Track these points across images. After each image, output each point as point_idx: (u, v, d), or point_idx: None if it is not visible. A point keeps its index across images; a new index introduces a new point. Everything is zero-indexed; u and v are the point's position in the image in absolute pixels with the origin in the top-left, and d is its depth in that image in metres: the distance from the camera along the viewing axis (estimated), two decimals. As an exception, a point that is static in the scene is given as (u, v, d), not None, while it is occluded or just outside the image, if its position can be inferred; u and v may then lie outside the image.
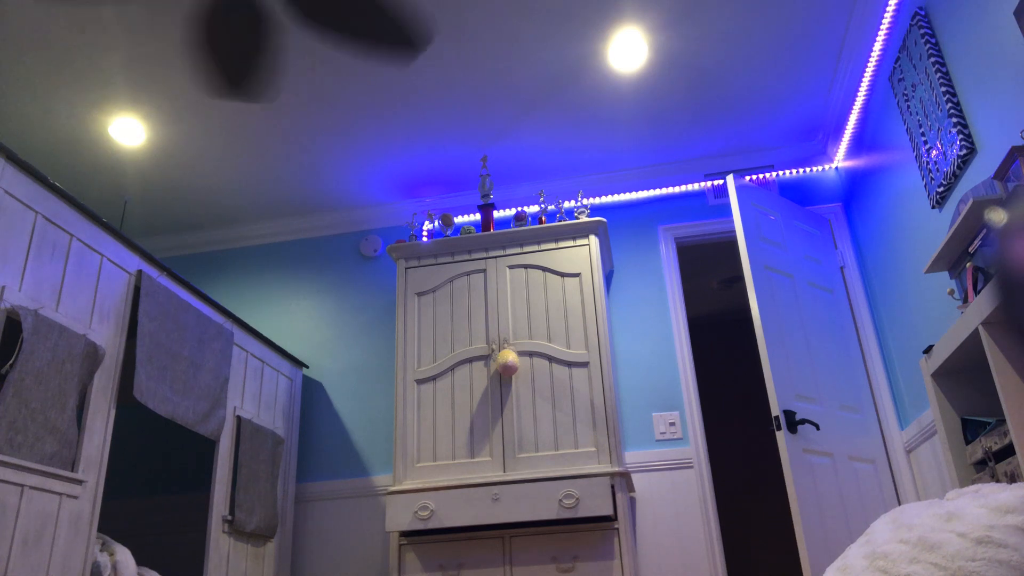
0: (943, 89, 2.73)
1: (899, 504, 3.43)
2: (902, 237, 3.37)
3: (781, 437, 3.09)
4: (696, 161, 4.35)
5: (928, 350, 2.53)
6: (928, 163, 2.96)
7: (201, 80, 3.45)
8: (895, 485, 3.46)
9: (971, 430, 2.39)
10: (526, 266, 3.81)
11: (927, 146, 2.95)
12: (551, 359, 3.58)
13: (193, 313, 3.20)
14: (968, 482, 2.37)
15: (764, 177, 4.26)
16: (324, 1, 2.17)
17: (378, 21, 2.23)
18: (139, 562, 3.27)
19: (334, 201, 4.56)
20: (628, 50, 3.42)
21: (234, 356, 3.54)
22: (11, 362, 2.29)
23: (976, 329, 2.11)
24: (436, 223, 4.50)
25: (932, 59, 2.79)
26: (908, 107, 3.09)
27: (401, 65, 3.38)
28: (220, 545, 3.24)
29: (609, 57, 3.48)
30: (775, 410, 3.14)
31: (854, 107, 3.70)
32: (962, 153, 2.65)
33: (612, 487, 3.23)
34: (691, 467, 3.73)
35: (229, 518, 3.29)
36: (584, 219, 3.79)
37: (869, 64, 3.41)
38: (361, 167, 4.24)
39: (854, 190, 3.96)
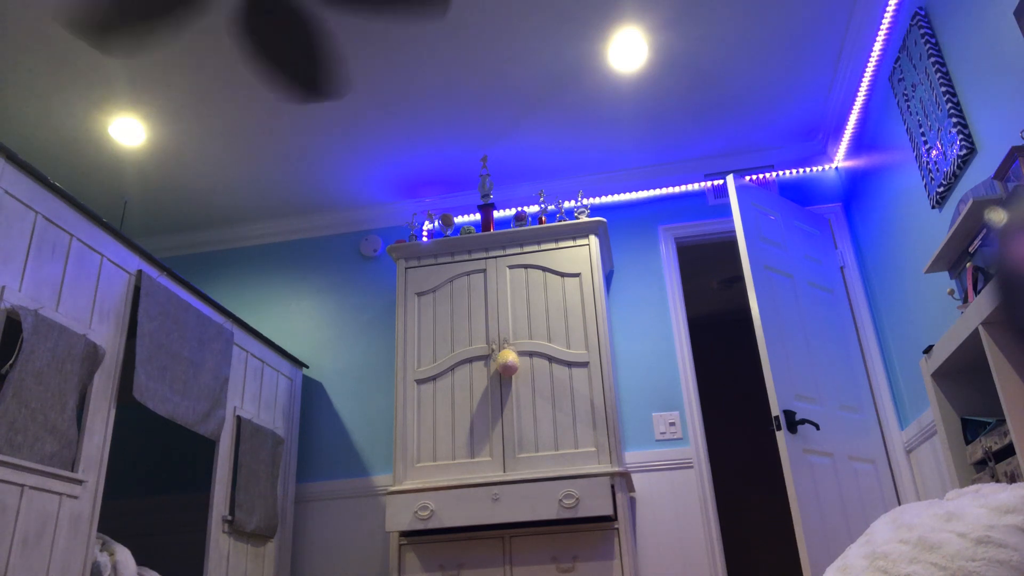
0: (943, 89, 2.73)
1: (899, 504, 3.43)
2: (902, 237, 3.37)
3: (781, 437, 3.09)
4: (696, 161, 4.35)
5: (928, 350, 2.53)
6: (928, 163, 2.96)
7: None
8: (895, 485, 3.46)
9: (971, 430, 2.39)
10: (526, 266, 3.81)
11: (927, 146, 2.95)
12: (551, 359, 3.58)
13: (193, 313, 3.20)
14: (968, 482, 2.37)
15: (764, 177, 4.26)
16: None
17: None
18: (139, 562, 3.27)
19: (334, 201, 4.56)
20: (628, 50, 3.42)
21: (234, 356, 3.54)
22: (11, 362, 2.29)
23: (976, 329, 2.11)
24: (436, 223, 4.50)
25: (932, 59, 2.79)
26: (908, 107, 3.09)
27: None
28: (220, 545, 3.25)
29: (609, 57, 3.48)
30: (775, 410, 3.14)
31: (854, 107, 3.70)
32: (962, 153, 2.65)
33: (612, 487, 3.23)
34: (691, 467, 3.73)
35: (229, 518, 3.29)
36: (584, 219, 3.79)
37: (869, 64, 3.41)
38: (361, 167, 4.24)
39: (854, 190, 3.96)
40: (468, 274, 3.86)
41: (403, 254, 3.96)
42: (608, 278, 4.21)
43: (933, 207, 2.99)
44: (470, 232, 3.89)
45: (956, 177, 2.75)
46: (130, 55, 3.22)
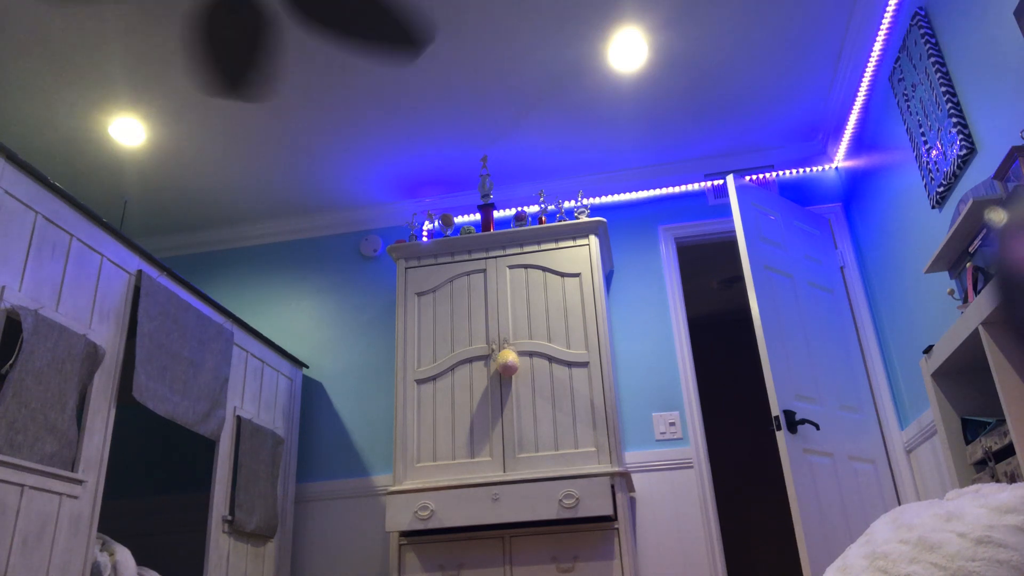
0: (943, 89, 2.73)
1: (899, 504, 3.43)
2: (902, 237, 3.37)
3: (781, 437, 3.09)
4: (696, 161, 4.35)
5: (928, 350, 2.53)
6: (928, 163, 2.96)
7: (199, 79, 3.45)
8: (895, 485, 3.46)
9: (971, 430, 2.39)
10: (526, 266, 3.81)
11: (927, 146, 2.95)
12: (551, 359, 3.58)
13: (193, 313, 3.20)
14: (968, 482, 2.37)
15: (764, 177, 4.26)
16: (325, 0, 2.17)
17: (379, 19, 2.23)
18: (139, 562, 3.27)
19: (334, 201, 4.56)
20: (628, 50, 3.42)
21: (234, 356, 3.54)
22: (11, 362, 2.29)
23: (976, 329, 2.11)
24: (436, 223, 4.50)
25: (932, 59, 2.79)
26: (908, 107, 3.09)
27: (403, 63, 3.38)
28: (220, 545, 3.24)
29: (609, 57, 3.48)
30: (775, 410, 3.14)
31: (854, 107, 3.70)
32: (962, 153, 2.65)
33: (612, 487, 3.23)
34: (691, 467, 3.73)
35: (229, 518, 3.29)
36: (584, 219, 3.79)
37: (869, 64, 3.41)
38: (361, 167, 4.24)
39: (854, 190, 3.96)
40: (468, 274, 3.86)
41: (403, 254, 3.96)
42: (608, 278, 4.21)
43: (933, 207, 2.99)
44: (470, 232, 3.89)
45: (956, 177, 2.75)
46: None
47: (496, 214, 4.48)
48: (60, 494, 2.44)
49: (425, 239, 3.99)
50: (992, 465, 2.22)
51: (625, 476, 3.29)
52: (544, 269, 3.78)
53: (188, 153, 4.02)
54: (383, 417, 4.17)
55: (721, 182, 4.30)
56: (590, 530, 3.22)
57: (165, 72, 3.43)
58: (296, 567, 3.94)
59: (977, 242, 2.27)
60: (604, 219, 3.95)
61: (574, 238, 3.81)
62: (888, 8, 3.13)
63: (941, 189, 2.86)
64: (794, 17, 3.32)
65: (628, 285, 4.18)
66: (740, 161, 4.32)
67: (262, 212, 4.63)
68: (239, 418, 3.48)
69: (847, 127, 3.86)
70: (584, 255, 3.75)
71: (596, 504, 3.13)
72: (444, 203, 4.58)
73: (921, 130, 2.99)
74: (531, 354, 3.61)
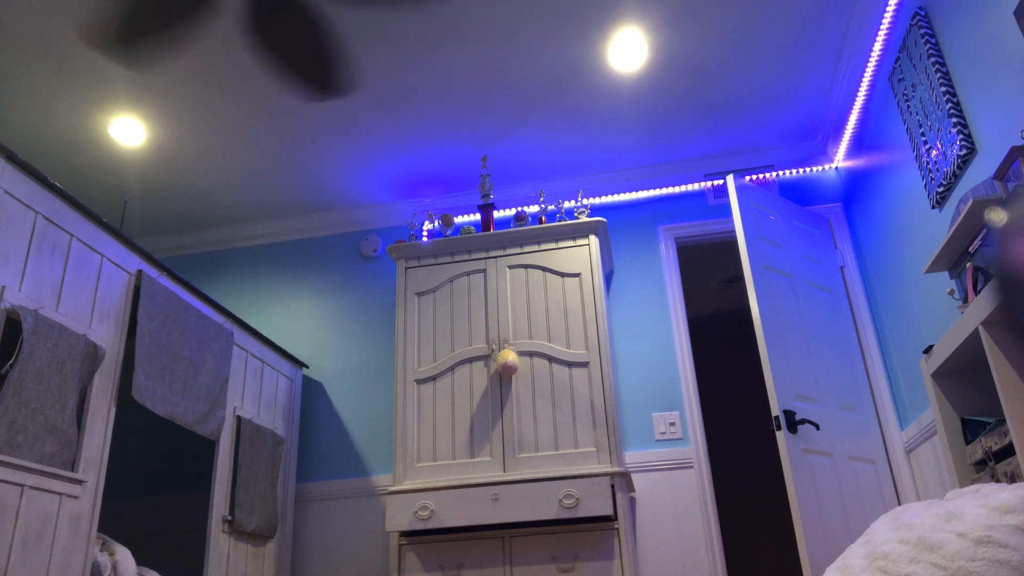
0: (943, 89, 2.73)
1: (899, 504, 3.43)
2: (902, 237, 3.37)
3: (781, 437, 3.09)
4: (696, 161, 4.35)
5: (928, 350, 2.53)
6: (928, 163, 2.96)
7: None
8: (895, 485, 3.46)
9: (971, 430, 2.39)
10: (526, 266, 3.81)
11: (927, 146, 2.95)
12: (551, 359, 3.58)
13: (193, 313, 3.20)
14: (968, 482, 2.37)
15: (764, 177, 4.26)
16: None
17: (312, 52, 2.26)
18: (139, 562, 3.27)
19: (334, 201, 4.56)
20: (628, 50, 3.42)
21: (234, 356, 3.54)
22: (11, 362, 2.29)
23: (976, 329, 2.10)
24: (436, 223, 4.50)
25: (932, 59, 2.78)
26: (908, 107, 3.09)
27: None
28: (220, 545, 3.24)
29: (609, 57, 3.48)
30: (775, 410, 3.14)
31: (854, 107, 3.70)
32: (962, 153, 2.65)
33: (612, 487, 3.23)
34: (691, 467, 3.73)
35: (229, 518, 3.29)
36: (584, 219, 3.79)
37: (869, 64, 3.41)
38: (361, 167, 4.24)
39: (854, 190, 3.96)
40: (468, 274, 3.86)
41: (403, 254, 3.96)
42: (608, 278, 4.21)
43: (933, 207, 2.99)
44: (470, 232, 3.89)
45: (956, 177, 2.75)
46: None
47: (496, 214, 4.48)
48: (60, 494, 2.44)
49: (425, 239, 3.99)
50: (992, 465, 2.22)
51: (625, 476, 3.29)
52: (544, 269, 3.78)
53: (188, 153, 4.02)
54: (383, 417, 4.17)
55: (721, 182, 4.30)
56: (590, 530, 3.22)
57: (165, 72, 3.43)
58: (296, 567, 3.94)
59: (977, 242, 2.27)
60: (604, 219, 3.95)
61: (574, 238, 3.81)
62: (888, 8, 3.13)
63: (941, 189, 2.86)
64: (794, 17, 3.32)
65: (628, 285, 4.18)
66: (740, 161, 4.32)
67: (262, 212, 4.63)
68: (239, 418, 3.48)
69: (847, 127, 3.86)
70: (584, 255, 3.75)
71: (596, 504, 3.13)
72: (444, 203, 4.58)
73: (921, 130, 2.99)
74: (531, 354, 3.61)
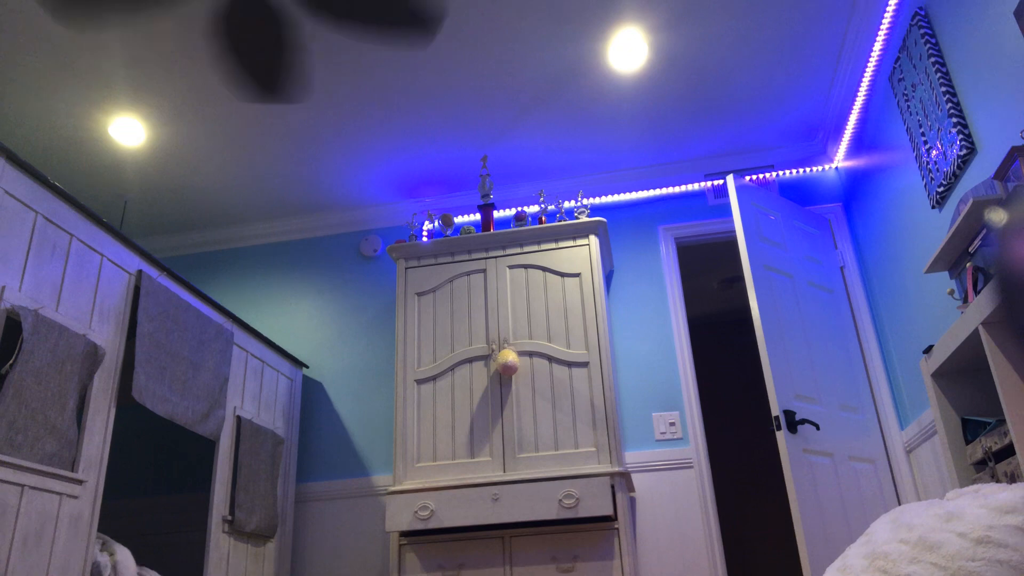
0: (943, 89, 2.73)
1: (899, 504, 3.43)
2: (902, 237, 3.37)
3: (781, 437, 3.09)
4: (696, 161, 4.35)
5: (928, 350, 2.53)
6: (928, 163, 2.96)
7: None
8: (895, 485, 3.46)
9: (971, 430, 2.39)
10: (526, 266, 3.81)
11: (927, 146, 2.95)
12: (551, 359, 3.58)
13: (193, 313, 3.20)
14: (968, 482, 2.37)
15: (764, 177, 4.26)
16: None
17: (391, 4, 2.23)
18: (139, 562, 3.28)
19: (334, 201, 4.56)
20: (628, 50, 3.42)
21: (234, 356, 3.54)
22: (11, 362, 2.29)
23: (976, 329, 2.10)
24: (436, 223, 4.50)
25: (932, 59, 2.79)
26: (908, 107, 3.09)
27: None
28: (220, 545, 3.24)
29: (609, 57, 3.48)
30: (775, 410, 3.14)
31: (854, 107, 3.70)
32: (962, 153, 2.65)
33: (612, 487, 3.23)
34: (691, 467, 3.73)
35: (229, 518, 3.29)
36: (584, 219, 3.79)
37: (869, 64, 3.41)
38: (361, 167, 4.24)
39: (854, 190, 3.96)
40: (468, 274, 3.86)
41: (403, 254, 3.96)
42: (608, 278, 4.21)
43: (933, 207, 2.99)
44: (470, 232, 3.89)
45: (956, 177, 2.75)
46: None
47: (496, 214, 4.48)
48: (60, 494, 2.44)
49: (425, 239, 3.99)
50: (992, 465, 2.22)
51: (625, 476, 3.29)
52: (544, 269, 3.78)
53: (188, 153, 4.02)
54: (383, 417, 4.17)
55: (721, 182, 4.30)
56: (590, 530, 3.22)
57: (165, 72, 3.43)
58: (296, 567, 3.94)
59: (977, 242, 2.27)
60: (604, 219, 3.95)
61: (574, 238, 3.81)
62: (888, 8, 3.13)
63: (941, 189, 2.86)
64: (794, 17, 3.32)
65: (628, 285, 4.18)
66: (740, 161, 4.32)
67: (262, 212, 4.63)
68: (239, 418, 3.48)
69: (847, 127, 3.86)
70: (584, 255, 3.75)
71: (596, 504, 3.13)
72: (444, 203, 4.58)
73: (921, 130, 2.99)
74: (531, 354, 3.61)
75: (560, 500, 3.17)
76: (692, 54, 3.50)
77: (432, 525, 3.24)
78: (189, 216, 4.62)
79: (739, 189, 3.62)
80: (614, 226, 4.34)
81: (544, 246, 3.82)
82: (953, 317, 2.91)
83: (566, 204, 4.41)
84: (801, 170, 4.23)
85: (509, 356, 3.51)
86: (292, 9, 2.87)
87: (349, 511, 4.00)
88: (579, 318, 3.63)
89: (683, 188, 4.33)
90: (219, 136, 3.89)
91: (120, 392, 3.07)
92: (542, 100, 3.76)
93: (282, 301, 4.57)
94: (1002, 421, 2.18)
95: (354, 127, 3.88)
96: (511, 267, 3.82)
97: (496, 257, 3.86)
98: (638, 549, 3.63)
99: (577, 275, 3.72)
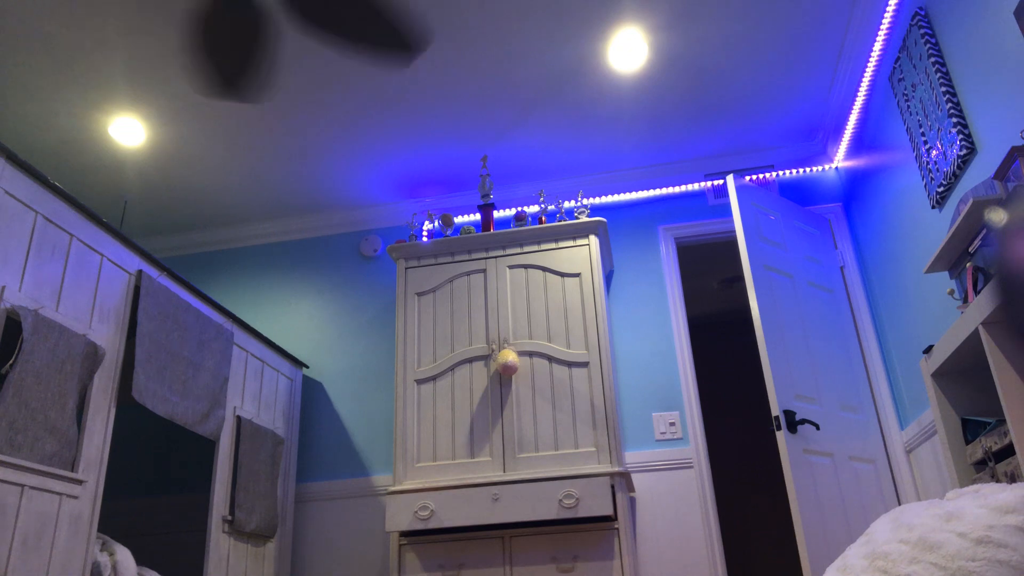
0: (943, 89, 2.73)
1: (899, 504, 3.43)
2: (902, 237, 3.37)
3: (781, 437, 3.09)
4: (696, 161, 4.35)
5: (928, 350, 2.53)
6: (928, 163, 2.96)
7: (196, 80, 3.45)
8: (895, 485, 3.46)
9: (971, 430, 2.39)
10: (526, 266, 3.81)
11: (927, 146, 2.95)
12: (551, 359, 3.58)
13: (193, 313, 3.20)
14: (968, 482, 2.37)
15: (764, 177, 4.26)
16: (322, 3, 2.17)
17: (375, 23, 2.23)
18: (139, 562, 3.27)
19: (334, 201, 4.56)
20: (628, 50, 3.42)
21: (234, 356, 3.54)
22: (11, 362, 2.29)
23: (976, 329, 2.10)
24: (436, 223, 4.50)
25: (932, 59, 2.79)
26: (908, 107, 3.09)
27: (398, 68, 3.38)
28: (220, 545, 3.24)
29: (609, 57, 3.48)
30: (775, 410, 3.14)
31: (854, 107, 3.70)
32: (962, 153, 2.65)
33: (612, 487, 3.23)
34: (691, 467, 3.73)
35: (229, 518, 3.29)
36: (584, 219, 3.79)
37: (869, 64, 3.41)
38: (361, 167, 4.24)
39: (854, 190, 3.96)
40: (468, 274, 3.86)
41: (403, 254, 3.96)
42: (608, 278, 4.21)
43: (933, 207, 2.99)
44: (470, 232, 3.89)
45: (956, 177, 2.75)
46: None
47: (496, 214, 4.48)
48: (60, 494, 2.44)
49: (425, 239, 3.99)
50: (992, 465, 2.22)
51: (625, 476, 3.29)
52: (544, 269, 3.78)
53: (188, 153, 4.02)
54: (383, 417, 4.17)
55: (721, 182, 4.30)
56: (590, 530, 3.22)
57: (165, 72, 3.43)
58: (296, 567, 3.94)
59: (977, 242, 2.27)
60: (604, 219, 3.95)
61: (574, 238, 3.81)
62: (888, 8, 3.13)
63: (941, 189, 2.86)
64: (794, 17, 3.32)
65: (628, 285, 4.18)
66: (740, 161, 4.32)
67: (262, 212, 4.63)
68: (239, 418, 3.48)
69: (847, 127, 3.86)
70: (584, 255, 3.75)
71: (596, 504, 3.13)
72: (444, 203, 4.58)
73: (921, 130, 2.99)
74: (531, 354, 3.61)
75: (560, 500, 3.17)
76: (692, 54, 3.50)
77: (432, 525, 3.24)
78: (189, 216, 4.62)
79: (739, 189, 3.62)
80: (614, 226, 4.34)
81: (544, 246, 3.82)
82: (953, 317, 2.91)
83: (566, 204, 4.41)
84: (801, 170, 4.23)
85: (509, 356, 3.51)
86: (278, 14, 2.87)
87: (349, 511, 4.00)
88: (579, 318, 3.63)
89: (683, 188, 4.33)
90: (219, 136, 3.89)
91: (120, 392, 3.07)
92: (542, 100, 3.76)
93: (282, 301, 4.57)
94: (1002, 421, 2.18)
95: (354, 127, 3.88)
96: (511, 267, 3.82)
97: (496, 257, 3.86)
98: (638, 549, 3.63)
99: (577, 275, 3.72)
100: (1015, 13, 2.23)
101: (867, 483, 3.35)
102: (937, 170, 2.88)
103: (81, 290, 2.66)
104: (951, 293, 2.40)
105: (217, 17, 2.24)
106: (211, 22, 2.25)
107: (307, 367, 4.34)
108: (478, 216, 4.46)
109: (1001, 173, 2.21)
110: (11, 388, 2.25)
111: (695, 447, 3.75)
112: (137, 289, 2.96)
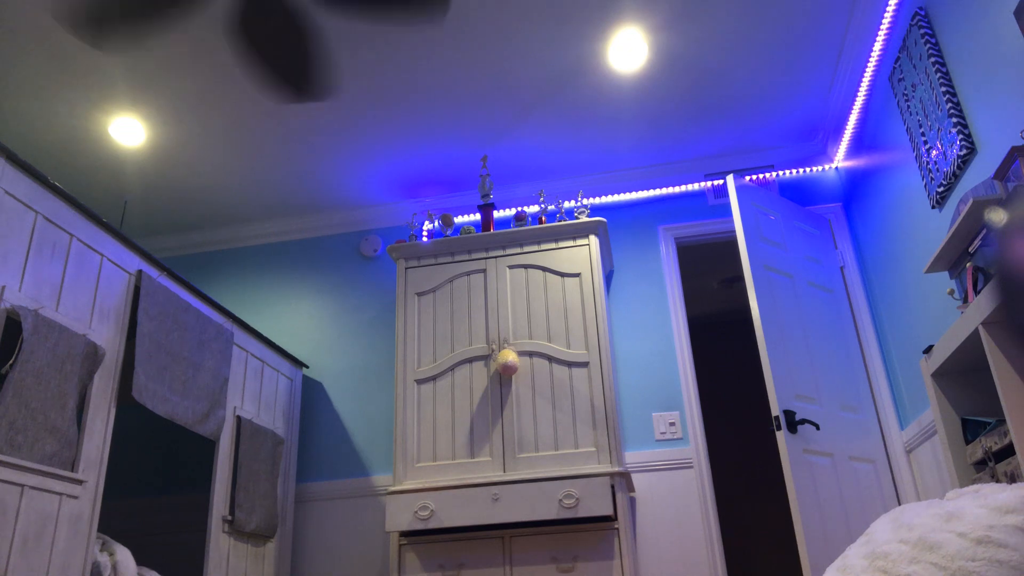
0: (943, 89, 2.73)
1: (899, 504, 3.43)
2: (902, 237, 3.37)
3: (781, 437, 3.09)
4: (696, 161, 4.35)
5: (928, 350, 2.53)
6: (928, 163, 2.96)
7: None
8: (895, 485, 3.46)
9: (971, 430, 2.39)
10: (526, 266, 3.81)
11: (927, 146, 2.95)
12: (551, 359, 3.58)
13: (193, 313, 3.20)
14: (968, 482, 2.37)
15: (764, 177, 4.26)
16: None
17: None
18: (139, 562, 3.27)
19: (334, 201, 4.56)
20: (628, 50, 3.42)
21: (234, 356, 3.54)
22: (11, 362, 2.29)
23: (976, 329, 2.10)
24: (436, 223, 4.50)
25: (932, 59, 2.79)
26: (908, 107, 3.09)
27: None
28: (220, 545, 3.24)
29: (609, 57, 3.48)
30: (775, 410, 3.14)
31: (854, 107, 3.70)
32: (962, 153, 2.65)
33: (612, 487, 3.23)
34: (691, 467, 3.73)
35: (229, 518, 3.29)
36: (584, 219, 3.79)
37: (869, 64, 3.41)
38: (361, 167, 4.24)
39: (854, 190, 3.96)
40: (468, 274, 3.86)
41: (403, 254, 3.96)
42: (608, 278, 4.21)
43: (933, 207, 2.99)
44: (470, 232, 3.89)
45: (956, 177, 2.75)
46: (125, 52, 3.21)
47: (496, 214, 4.48)
48: (60, 494, 2.44)
49: (425, 239, 3.99)
50: (992, 465, 2.22)
51: (625, 476, 3.29)
52: (544, 269, 3.78)
53: (188, 153, 4.02)
54: (383, 417, 4.17)
55: (721, 182, 4.30)
56: (590, 530, 3.22)
57: (165, 72, 3.43)
58: (296, 567, 3.94)
59: (977, 242, 2.27)
60: (604, 219, 3.95)
61: (574, 238, 3.81)
62: (888, 8, 3.13)
63: (941, 189, 2.86)
64: (794, 17, 3.32)
65: (628, 285, 4.18)
66: (740, 161, 4.32)
67: (262, 212, 4.63)
68: (239, 418, 3.48)
69: (847, 127, 3.86)
70: (584, 255, 3.75)
71: (596, 504, 3.13)
72: (444, 203, 4.58)
73: (921, 130, 2.99)
74: (531, 354, 3.61)
75: (560, 500, 3.17)
76: (692, 54, 3.50)
77: (432, 525, 3.24)
78: (189, 216, 4.62)
79: (739, 189, 3.62)
80: (614, 226, 4.34)
81: (544, 246, 3.82)
82: (953, 317, 2.91)
83: (566, 204, 4.41)
84: (801, 170, 4.23)
85: (509, 356, 3.51)
86: (306, 4, 2.87)
87: (349, 511, 4.00)
88: (579, 318, 3.63)
89: (683, 188, 4.33)
90: (219, 136, 3.89)
91: (120, 392, 3.07)
92: (542, 100, 3.76)
93: (282, 301, 4.57)
94: (1002, 421, 2.18)
95: (354, 127, 3.88)
96: (511, 267, 3.82)
97: (496, 257, 3.86)
98: (638, 549, 3.63)
99: (577, 275, 3.72)
100: (1015, 13, 2.23)
101: (867, 483, 3.35)
102: (937, 170, 2.88)
103: (81, 290, 2.66)
104: (951, 293, 2.40)
105: (250, 21, 2.24)
106: (247, 29, 2.26)
107: (307, 367, 4.34)
108: (478, 216, 4.46)
109: (1001, 173, 2.21)
110: (11, 388, 2.25)
111: (695, 447, 3.75)
112: (137, 289, 2.96)
